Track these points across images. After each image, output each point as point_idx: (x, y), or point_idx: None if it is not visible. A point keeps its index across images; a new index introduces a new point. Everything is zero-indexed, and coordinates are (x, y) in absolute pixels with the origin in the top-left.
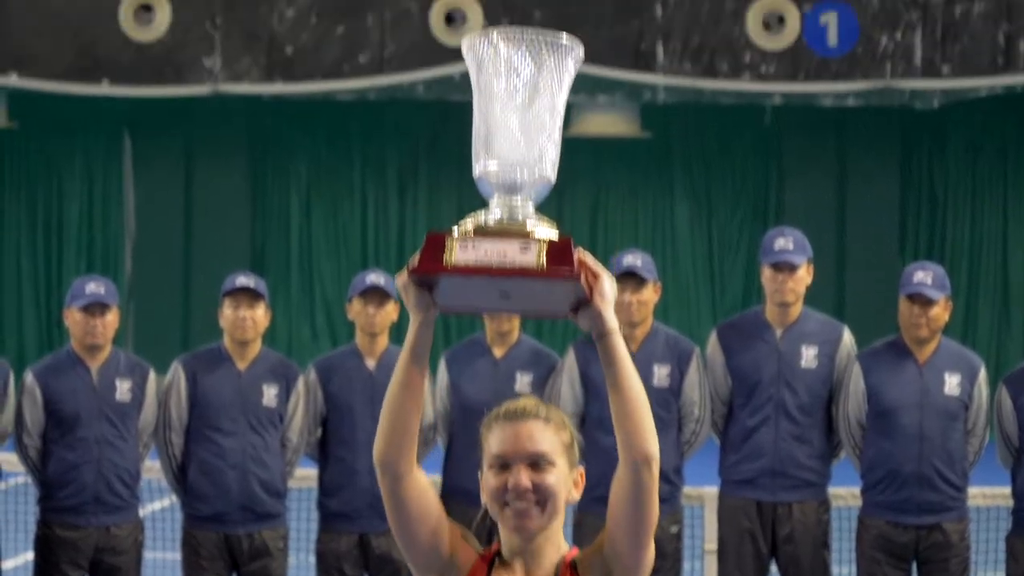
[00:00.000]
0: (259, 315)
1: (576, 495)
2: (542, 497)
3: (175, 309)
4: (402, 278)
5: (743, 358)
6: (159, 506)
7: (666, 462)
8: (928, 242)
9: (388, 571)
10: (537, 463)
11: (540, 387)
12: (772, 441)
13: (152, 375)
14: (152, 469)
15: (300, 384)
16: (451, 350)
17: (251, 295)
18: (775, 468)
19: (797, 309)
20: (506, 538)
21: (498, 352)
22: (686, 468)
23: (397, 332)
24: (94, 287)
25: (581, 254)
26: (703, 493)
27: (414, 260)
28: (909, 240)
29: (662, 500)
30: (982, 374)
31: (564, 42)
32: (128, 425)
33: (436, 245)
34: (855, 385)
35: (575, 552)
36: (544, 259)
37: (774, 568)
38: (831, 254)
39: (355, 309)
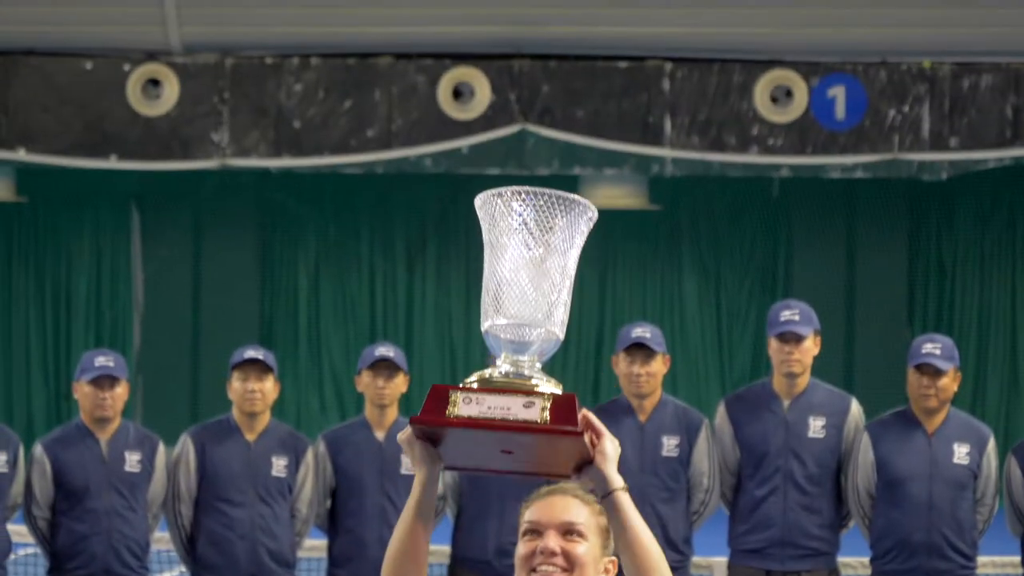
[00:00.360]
0: (268, 387)
1: None
2: (570, 564)
3: (183, 382)
4: (405, 434)
5: (751, 429)
6: None
7: (675, 532)
8: (936, 313)
9: None
10: (569, 532)
11: None
12: (781, 511)
13: (161, 447)
14: (162, 539)
15: (309, 455)
16: None
17: (260, 367)
18: (784, 538)
19: (804, 380)
20: None
21: None
22: (695, 538)
23: (406, 404)
24: (103, 360)
25: (585, 413)
26: (712, 563)
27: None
28: (917, 311)
29: (672, 569)
30: (991, 444)
31: (578, 202)
32: (137, 496)
33: (439, 397)
34: (864, 455)
35: None
36: (548, 415)
37: None
38: (840, 325)
39: (364, 381)
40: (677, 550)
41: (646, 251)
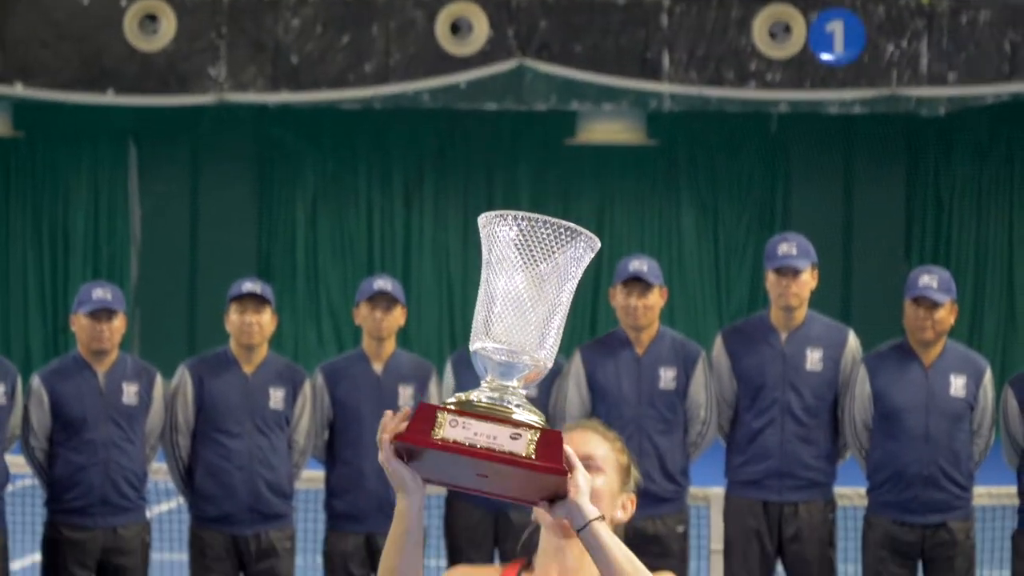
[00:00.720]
0: (265, 320)
1: (622, 517)
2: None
3: (180, 317)
4: (384, 453)
5: (748, 361)
6: (166, 508)
7: (672, 463)
8: (934, 247)
9: None
10: (586, 465)
11: (547, 391)
12: (778, 443)
13: (159, 379)
14: (159, 471)
15: (307, 387)
16: (457, 353)
17: (257, 300)
18: (781, 469)
19: (802, 313)
20: (545, 538)
21: None
22: (692, 469)
23: (403, 337)
24: (101, 293)
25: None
26: (709, 494)
27: (400, 427)
28: (915, 245)
29: (669, 500)
30: (987, 375)
31: (581, 233)
32: (135, 428)
33: (426, 417)
34: (861, 388)
35: None
36: (533, 450)
37: (780, 568)
38: (837, 259)
39: (362, 314)
40: (674, 481)
41: (644, 186)
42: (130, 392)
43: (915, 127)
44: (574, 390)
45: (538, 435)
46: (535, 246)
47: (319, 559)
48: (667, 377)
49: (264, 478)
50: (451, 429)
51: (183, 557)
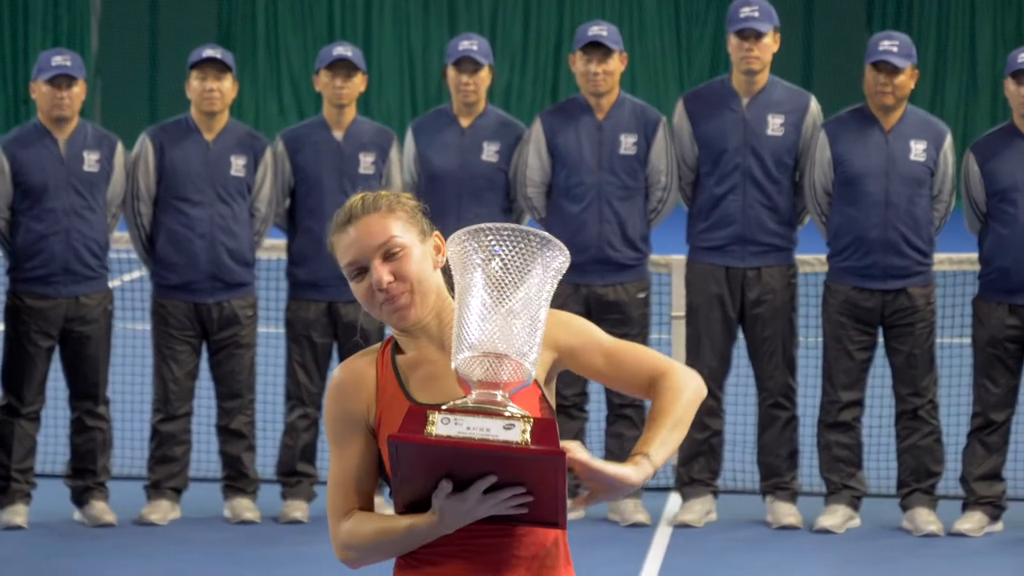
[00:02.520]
0: (226, 87)
1: (442, 259)
2: (408, 283)
3: (141, 86)
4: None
5: (709, 126)
6: (128, 278)
7: (633, 230)
8: (896, 12)
9: (356, 338)
10: (389, 253)
11: (507, 157)
12: (740, 208)
13: (120, 147)
14: (121, 240)
15: (268, 155)
16: (418, 120)
17: (218, 66)
18: (743, 234)
19: (763, 78)
20: (397, 332)
21: (465, 122)
22: (653, 236)
23: (364, 104)
24: (60, 60)
25: (574, 451)
26: (671, 260)
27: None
28: (876, 11)
29: (630, 267)
30: (948, 140)
31: (550, 242)
32: (96, 196)
33: (416, 418)
34: (821, 153)
35: None
36: (528, 436)
37: (741, 334)
38: (799, 24)
39: (322, 81)
40: (635, 248)
41: None
42: (91, 160)
43: None
44: (535, 156)
45: (531, 423)
46: (507, 257)
47: (282, 328)
48: (628, 143)
49: (226, 246)
50: (443, 426)
51: (146, 327)
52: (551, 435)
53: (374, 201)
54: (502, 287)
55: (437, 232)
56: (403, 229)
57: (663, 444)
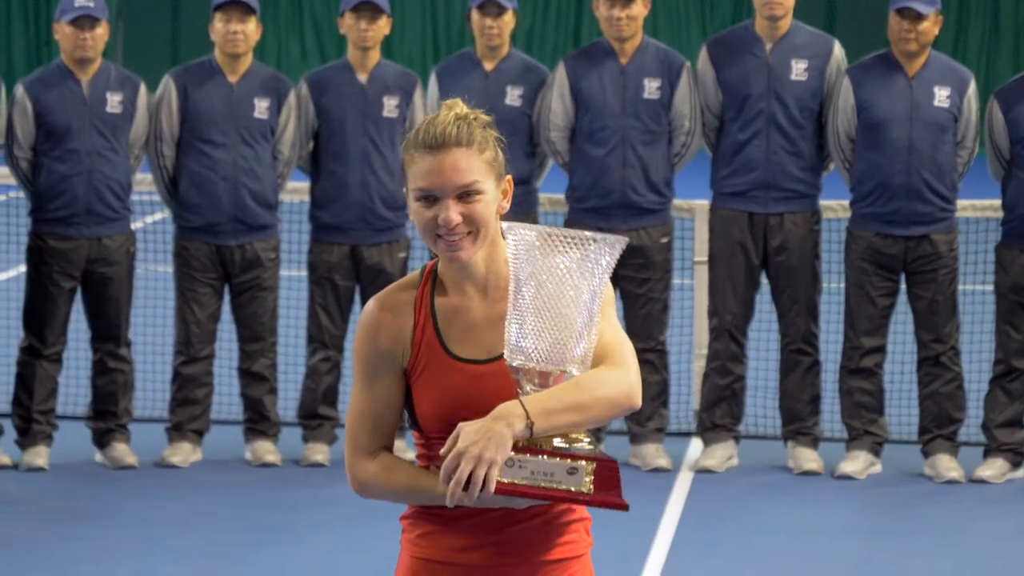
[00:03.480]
0: (250, 29)
1: (506, 204)
2: (474, 227)
3: (164, 27)
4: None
5: (733, 71)
6: (151, 220)
7: (656, 174)
8: None
9: (379, 282)
10: (465, 194)
11: (531, 101)
12: (763, 154)
13: (143, 88)
14: (144, 182)
15: (292, 97)
16: (442, 64)
17: (242, 8)
18: (767, 180)
19: (787, 23)
20: (445, 265)
21: (488, 66)
22: (677, 181)
23: (386, 48)
24: (83, 1)
25: None
26: (694, 205)
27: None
28: None
29: (653, 211)
30: (971, 87)
31: (605, 239)
32: (119, 137)
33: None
34: (844, 99)
35: None
36: (591, 483)
37: (764, 279)
38: None
39: (347, 23)
40: (658, 192)
41: None
42: (114, 101)
43: None
44: (558, 100)
45: (595, 466)
46: (558, 256)
47: (304, 271)
48: (651, 87)
49: (249, 188)
50: (508, 469)
51: (168, 269)
52: (613, 479)
53: (468, 132)
54: (559, 297)
55: (508, 177)
56: (485, 172)
57: (548, 406)
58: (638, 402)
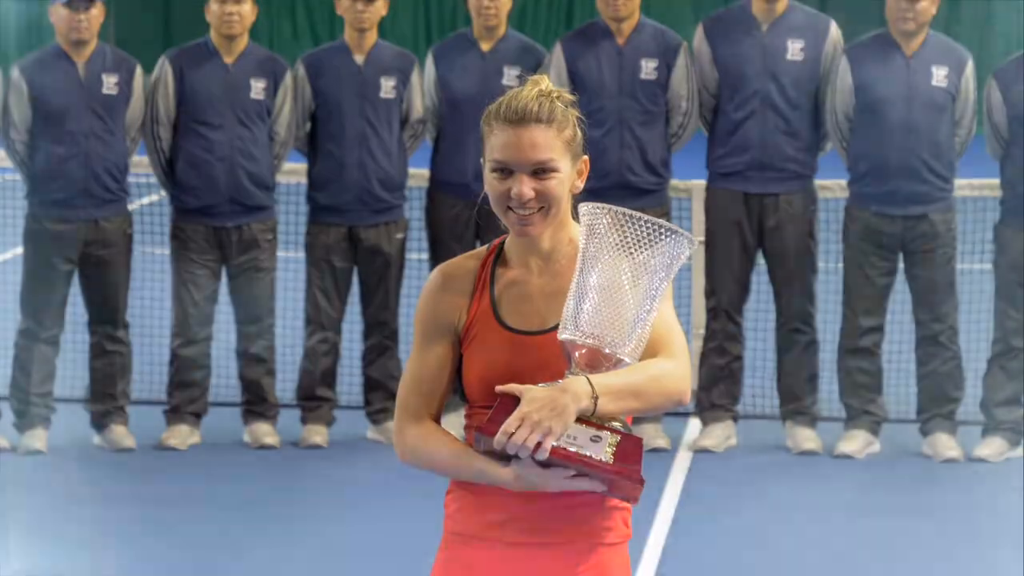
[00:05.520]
0: (246, 10)
1: (580, 184)
2: (546, 204)
3: (156, 11)
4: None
5: (729, 51)
6: (148, 201)
7: (653, 155)
8: None
9: (377, 263)
10: (540, 170)
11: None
12: (759, 134)
13: (139, 70)
14: (141, 164)
15: (288, 78)
16: (438, 44)
17: None
18: (763, 160)
19: (783, 3)
20: (512, 238)
21: (485, 46)
22: (674, 161)
23: (380, 27)
24: None
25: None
26: (691, 185)
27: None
28: None
29: (650, 192)
30: (969, 66)
31: (681, 234)
32: (115, 119)
33: (508, 410)
34: (842, 79)
35: None
36: (611, 454)
37: (760, 259)
38: None
39: (344, 4)
40: (655, 173)
41: None
42: (110, 82)
43: None
44: (555, 81)
45: (619, 440)
46: (632, 243)
47: (301, 252)
48: (648, 67)
49: (245, 169)
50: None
51: (165, 251)
52: (635, 454)
53: (549, 109)
54: (621, 282)
55: (585, 157)
56: (562, 151)
57: (614, 388)
58: (688, 398)
